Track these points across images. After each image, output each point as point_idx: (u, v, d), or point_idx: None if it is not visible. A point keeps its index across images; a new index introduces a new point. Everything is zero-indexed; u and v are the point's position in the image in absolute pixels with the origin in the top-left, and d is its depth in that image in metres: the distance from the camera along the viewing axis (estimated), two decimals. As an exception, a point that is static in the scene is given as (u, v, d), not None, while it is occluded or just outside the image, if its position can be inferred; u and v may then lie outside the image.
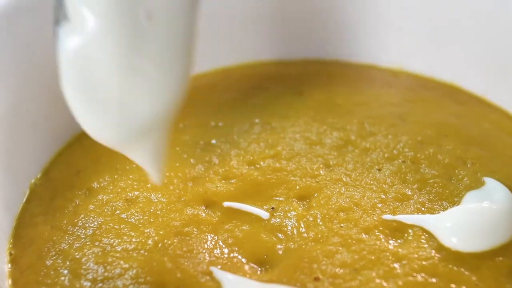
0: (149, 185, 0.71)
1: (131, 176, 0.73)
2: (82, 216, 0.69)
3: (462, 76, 0.84)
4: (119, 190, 0.72)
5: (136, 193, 0.71)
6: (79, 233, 0.68)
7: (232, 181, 0.71)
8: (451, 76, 0.85)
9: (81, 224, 0.69)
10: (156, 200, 0.70)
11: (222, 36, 0.88)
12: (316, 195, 0.69)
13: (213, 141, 0.76)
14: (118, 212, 0.69)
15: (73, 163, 0.77)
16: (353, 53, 0.88)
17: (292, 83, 0.85)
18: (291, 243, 0.64)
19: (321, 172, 0.71)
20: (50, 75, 0.77)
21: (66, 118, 0.79)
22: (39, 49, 0.76)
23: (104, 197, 0.71)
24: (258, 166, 0.73)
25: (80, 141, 0.80)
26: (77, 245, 0.67)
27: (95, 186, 0.73)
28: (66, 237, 0.68)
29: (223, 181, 0.71)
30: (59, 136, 0.79)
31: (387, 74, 0.87)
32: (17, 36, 0.74)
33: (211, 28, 0.87)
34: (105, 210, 0.70)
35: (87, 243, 0.67)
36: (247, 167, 0.72)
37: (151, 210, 0.69)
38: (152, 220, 0.68)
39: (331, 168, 0.72)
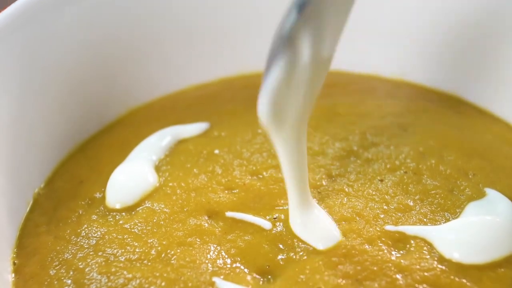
0: (152, 195, 0.72)
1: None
2: (85, 226, 0.70)
3: (464, 87, 0.85)
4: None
5: (139, 203, 0.71)
6: (82, 243, 0.68)
7: (235, 191, 0.71)
8: (453, 87, 0.85)
9: (84, 234, 0.69)
10: (159, 210, 0.70)
11: (225, 46, 0.89)
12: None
13: (216, 151, 0.76)
14: (121, 222, 0.69)
15: (76, 173, 0.77)
16: (355, 64, 0.88)
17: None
18: (293, 253, 0.64)
19: (324, 182, 0.71)
20: (54, 86, 0.78)
21: (69, 129, 0.80)
22: (42, 59, 0.76)
23: (107, 207, 0.72)
24: (261, 176, 0.73)
25: (83, 151, 0.80)
26: (80, 255, 0.67)
27: (98, 196, 0.73)
28: (70, 247, 0.68)
29: (226, 191, 0.71)
30: (62, 146, 0.79)
31: (389, 85, 0.87)
32: (21, 47, 0.74)
33: (214, 38, 0.88)
34: (108, 220, 0.70)
35: (91, 253, 0.67)
36: (249, 177, 0.73)
37: (154, 220, 0.69)
38: (155, 230, 0.68)
39: (333, 178, 0.72)
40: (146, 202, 0.71)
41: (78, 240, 0.68)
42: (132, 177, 0.73)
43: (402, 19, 0.87)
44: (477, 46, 0.82)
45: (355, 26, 0.88)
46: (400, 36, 0.88)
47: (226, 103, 0.85)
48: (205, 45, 0.88)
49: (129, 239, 0.68)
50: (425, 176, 0.72)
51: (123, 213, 0.70)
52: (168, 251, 0.66)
